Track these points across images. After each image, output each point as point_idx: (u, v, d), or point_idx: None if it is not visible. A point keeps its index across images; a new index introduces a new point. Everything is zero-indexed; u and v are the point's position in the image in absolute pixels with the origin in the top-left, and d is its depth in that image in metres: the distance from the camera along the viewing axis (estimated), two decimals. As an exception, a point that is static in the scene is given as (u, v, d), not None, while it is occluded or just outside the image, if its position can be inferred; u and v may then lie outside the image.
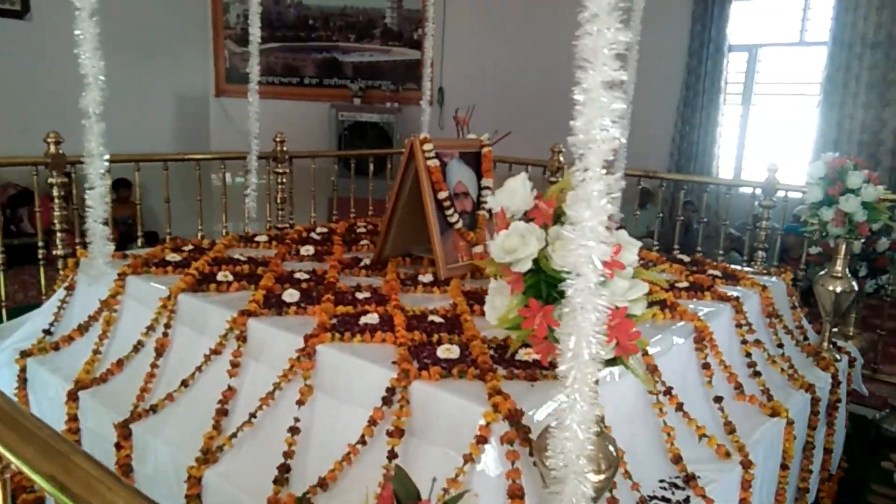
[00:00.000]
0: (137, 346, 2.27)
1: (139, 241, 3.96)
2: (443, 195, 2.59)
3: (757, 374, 2.34)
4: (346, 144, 7.19)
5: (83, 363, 2.29)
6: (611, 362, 1.23)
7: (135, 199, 4.35)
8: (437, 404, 1.59)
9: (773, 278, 2.87)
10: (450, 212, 2.60)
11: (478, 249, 2.67)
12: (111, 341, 2.37)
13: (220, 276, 2.39)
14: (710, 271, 2.79)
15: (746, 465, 1.94)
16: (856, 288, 2.83)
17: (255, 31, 3.58)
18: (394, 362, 1.72)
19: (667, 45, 7.25)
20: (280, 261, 2.67)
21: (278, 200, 4.45)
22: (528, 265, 1.14)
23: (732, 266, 3.03)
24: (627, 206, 4.65)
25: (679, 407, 1.96)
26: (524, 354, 1.78)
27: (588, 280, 0.97)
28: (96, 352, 2.34)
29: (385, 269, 2.64)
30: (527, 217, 1.21)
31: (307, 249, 2.86)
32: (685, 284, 2.59)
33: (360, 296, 2.24)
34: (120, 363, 2.26)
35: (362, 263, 2.71)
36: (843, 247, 2.81)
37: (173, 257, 2.63)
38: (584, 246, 0.96)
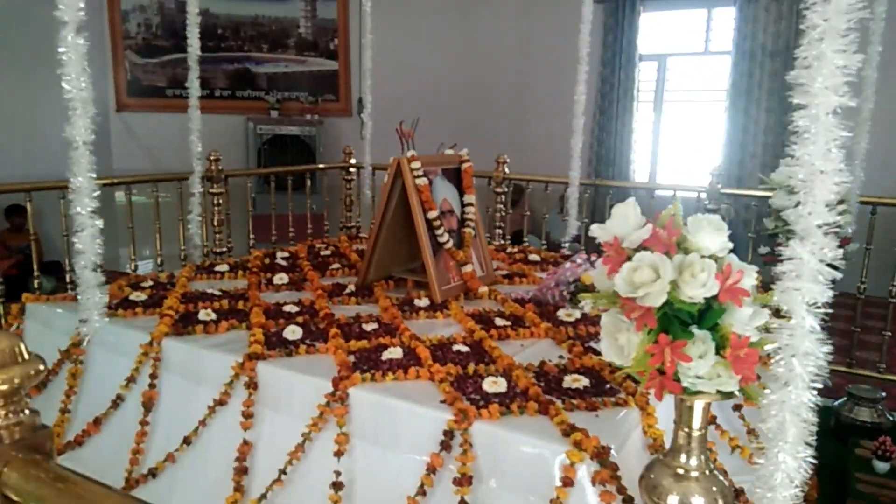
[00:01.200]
0: (116, 401, 2.01)
1: (35, 275, 3.47)
2: (433, 214, 2.48)
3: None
4: (266, 159, 6.87)
5: (51, 426, 1.99)
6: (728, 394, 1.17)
7: (30, 228, 3.77)
8: (505, 445, 1.49)
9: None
10: (440, 231, 2.49)
11: (468, 269, 2.58)
12: (79, 397, 2.09)
13: (201, 315, 2.16)
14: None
15: (776, 472, 1.95)
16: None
17: (194, 43, 3.35)
18: (443, 401, 1.60)
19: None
20: (257, 292, 2.46)
21: (215, 223, 4.16)
22: (662, 298, 1.07)
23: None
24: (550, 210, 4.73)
25: (713, 420, 1.95)
26: (572, 381, 1.71)
27: (803, 323, 0.91)
28: (63, 411, 2.05)
29: (372, 295, 2.49)
30: (641, 246, 1.14)
31: (281, 278, 2.66)
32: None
33: (366, 327, 2.09)
34: (97, 422, 1.99)
35: (347, 290, 2.54)
36: (808, 248, 2.93)
37: (138, 296, 2.36)
38: (798, 288, 0.90)
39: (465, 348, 1.93)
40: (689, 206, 5.67)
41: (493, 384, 1.67)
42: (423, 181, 2.46)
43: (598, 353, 1.91)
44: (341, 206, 5.15)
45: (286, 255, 3.12)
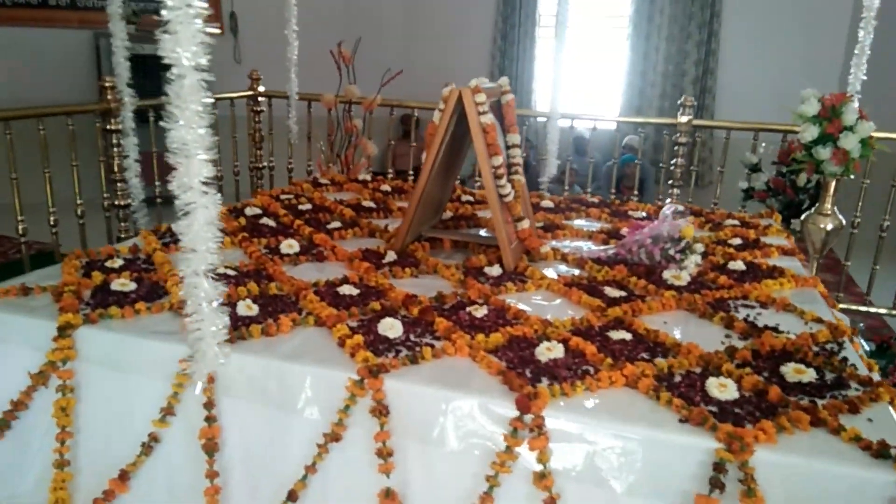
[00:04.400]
0: (149, 444, 1.39)
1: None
2: (498, 161, 2.01)
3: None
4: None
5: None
6: None
7: None
8: (806, 480, 1.14)
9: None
10: (502, 182, 2.03)
11: (524, 225, 2.15)
12: (79, 440, 1.44)
13: (242, 309, 1.56)
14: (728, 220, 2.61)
15: None
16: (844, 224, 2.89)
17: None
18: (683, 420, 1.21)
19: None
20: (279, 268, 1.87)
21: (116, 168, 3.29)
22: None
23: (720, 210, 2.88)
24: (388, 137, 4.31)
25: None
26: (793, 373, 1.39)
27: None
28: (60, 464, 1.40)
29: (418, 264, 1.99)
30: None
31: (290, 245, 2.06)
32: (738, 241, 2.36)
33: (476, 313, 1.62)
34: (124, 476, 1.38)
35: (387, 259, 2.02)
36: (833, 185, 2.83)
37: (123, 284, 1.68)
38: None
39: (625, 335, 1.54)
40: (605, 136, 5.54)
41: (722, 388, 1.30)
42: (488, 119, 1.96)
43: (777, 330, 1.60)
44: (248, 143, 4.39)
45: (257, 210, 2.47)
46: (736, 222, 2.62)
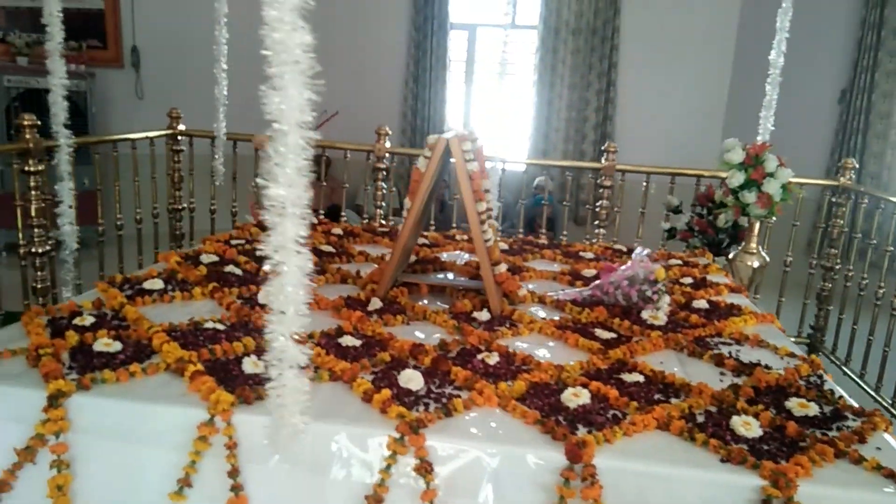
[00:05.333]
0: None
1: None
2: (482, 207, 2.03)
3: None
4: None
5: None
6: None
7: None
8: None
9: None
10: (484, 227, 2.05)
11: (502, 269, 2.18)
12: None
13: (247, 366, 1.47)
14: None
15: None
16: (768, 261, 3.14)
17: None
18: (725, 460, 1.26)
19: (390, 20, 7.10)
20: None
21: (33, 212, 3.03)
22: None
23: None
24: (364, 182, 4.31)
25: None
26: (798, 407, 1.48)
27: None
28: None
29: (404, 311, 1.97)
30: None
31: (266, 295, 1.97)
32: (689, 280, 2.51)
33: (489, 361, 1.61)
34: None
35: (372, 305, 1.98)
36: (757, 225, 3.07)
37: (107, 345, 1.54)
38: None
39: (637, 377, 1.58)
40: (514, 178, 5.73)
41: (747, 427, 1.37)
42: (474, 166, 1.99)
43: (766, 367, 1.71)
44: (167, 183, 4.17)
45: (213, 258, 2.35)
46: (679, 262, 2.78)
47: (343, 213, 4.83)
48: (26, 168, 2.97)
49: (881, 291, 3.40)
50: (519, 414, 1.37)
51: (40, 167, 2.99)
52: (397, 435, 1.28)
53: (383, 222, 3.99)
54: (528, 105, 7.13)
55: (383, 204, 4.15)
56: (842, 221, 3.81)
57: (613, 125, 7.07)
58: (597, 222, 4.08)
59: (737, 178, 2.96)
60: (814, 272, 3.94)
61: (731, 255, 3.16)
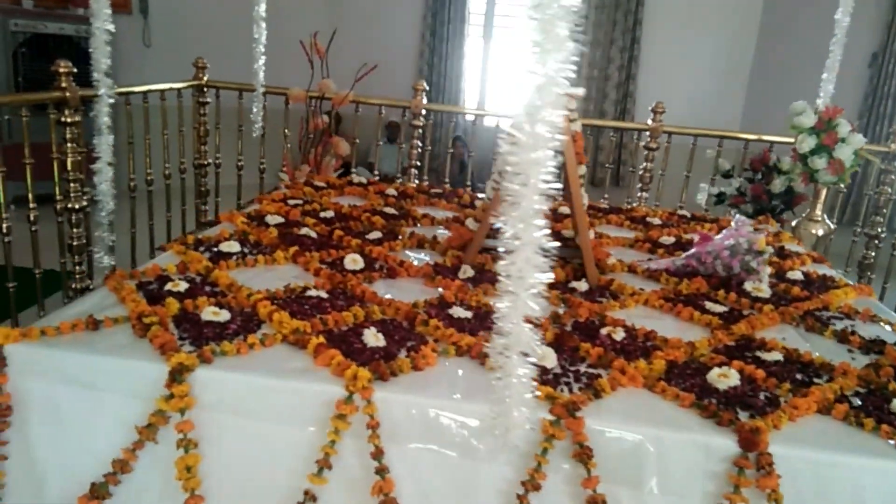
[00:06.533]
0: (309, 510, 1.17)
1: None
2: (583, 170, 1.92)
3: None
4: (25, 67, 5.07)
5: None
6: None
7: None
8: None
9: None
10: (583, 191, 1.94)
11: (590, 236, 2.07)
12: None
13: (368, 339, 1.37)
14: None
15: None
16: (832, 229, 3.06)
17: None
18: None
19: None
20: (368, 288, 1.68)
21: (69, 166, 2.87)
22: None
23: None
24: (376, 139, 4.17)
25: None
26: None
27: None
28: None
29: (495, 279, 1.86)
30: None
31: (354, 260, 1.86)
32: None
33: (615, 336, 1.52)
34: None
35: (462, 273, 1.88)
36: (824, 192, 2.98)
37: (216, 314, 1.43)
38: None
39: (777, 356, 1.50)
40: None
41: (909, 409, 1.30)
42: (578, 126, 1.87)
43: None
44: (192, 137, 3.99)
45: (279, 219, 2.23)
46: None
47: (354, 170, 4.67)
48: (62, 119, 2.79)
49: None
50: (671, 396, 1.29)
51: (77, 118, 2.82)
52: (552, 418, 1.19)
53: (419, 182, 3.86)
54: (548, 62, 6.93)
55: (417, 163, 4.01)
56: (889, 189, 3.73)
57: (636, 84, 6.91)
58: (639, 185, 3.97)
59: (807, 143, 2.86)
60: (857, 240, 3.89)
61: (794, 223, 3.08)
